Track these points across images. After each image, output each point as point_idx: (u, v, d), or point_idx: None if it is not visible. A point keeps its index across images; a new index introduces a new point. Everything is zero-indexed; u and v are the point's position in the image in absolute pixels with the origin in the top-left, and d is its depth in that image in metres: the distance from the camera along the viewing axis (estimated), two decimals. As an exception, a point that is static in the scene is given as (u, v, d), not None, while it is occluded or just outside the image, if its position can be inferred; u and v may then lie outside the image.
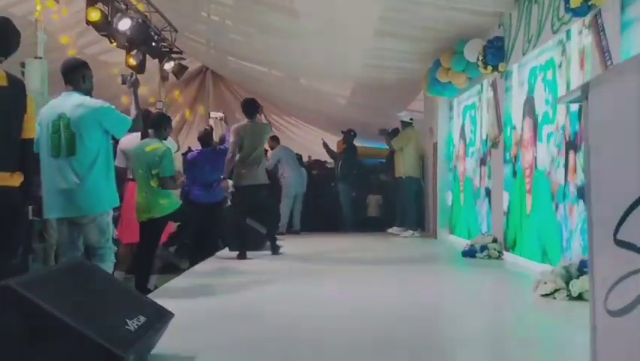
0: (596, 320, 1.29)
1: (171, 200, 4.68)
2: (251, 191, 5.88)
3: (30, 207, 5.87)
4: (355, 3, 6.22)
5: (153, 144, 4.67)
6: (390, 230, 8.46)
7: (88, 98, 3.53)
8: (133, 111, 3.74)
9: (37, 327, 1.90)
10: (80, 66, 3.58)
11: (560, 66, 4.59)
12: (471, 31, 6.29)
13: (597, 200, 1.41)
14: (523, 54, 5.34)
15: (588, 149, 1.51)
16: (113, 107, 3.60)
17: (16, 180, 2.61)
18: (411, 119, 8.44)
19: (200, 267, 5.47)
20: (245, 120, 5.99)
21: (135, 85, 3.87)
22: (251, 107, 5.99)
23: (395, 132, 8.68)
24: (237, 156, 5.82)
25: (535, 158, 5.01)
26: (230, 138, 5.87)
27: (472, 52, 6.21)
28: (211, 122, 7.43)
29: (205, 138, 6.63)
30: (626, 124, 1.27)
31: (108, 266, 3.52)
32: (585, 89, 1.39)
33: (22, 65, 6.28)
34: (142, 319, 2.34)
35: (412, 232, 8.26)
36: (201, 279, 4.72)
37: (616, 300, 1.24)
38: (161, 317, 2.54)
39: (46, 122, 3.46)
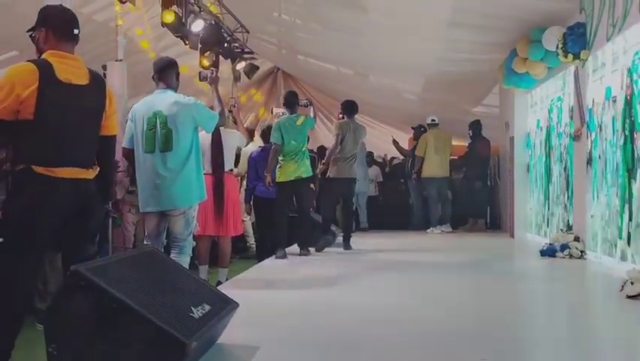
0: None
1: (311, 163, 5.65)
2: (344, 183, 6.35)
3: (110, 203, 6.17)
4: (426, -6, 6.07)
5: (300, 118, 5.57)
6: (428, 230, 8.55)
7: (181, 95, 3.60)
8: (216, 107, 3.76)
9: (104, 311, 1.95)
10: (174, 64, 3.67)
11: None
12: (549, 18, 5.94)
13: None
14: (608, 40, 4.98)
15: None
16: (203, 103, 3.68)
17: (91, 173, 2.60)
18: (432, 120, 8.70)
19: (268, 262, 5.51)
20: (346, 118, 6.55)
21: (216, 81, 3.91)
22: (351, 108, 6.54)
23: (419, 127, 9.04)
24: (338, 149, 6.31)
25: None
26: (334, 132, 6.47)
27: (551, 40, 5.86)
28: (275, 118, 7.45)
29: (267, 134, 6.65)
30: None
31: (184, 260, 3.55)
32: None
33: (104, 67, 6.62)
34: (207, 307, 2.35)
35: (432, 228, 8.49)
36: (269, 273, 4.75)
37: None
38: (225, 306, 2.54)
39: (140, 118, 3.54)
